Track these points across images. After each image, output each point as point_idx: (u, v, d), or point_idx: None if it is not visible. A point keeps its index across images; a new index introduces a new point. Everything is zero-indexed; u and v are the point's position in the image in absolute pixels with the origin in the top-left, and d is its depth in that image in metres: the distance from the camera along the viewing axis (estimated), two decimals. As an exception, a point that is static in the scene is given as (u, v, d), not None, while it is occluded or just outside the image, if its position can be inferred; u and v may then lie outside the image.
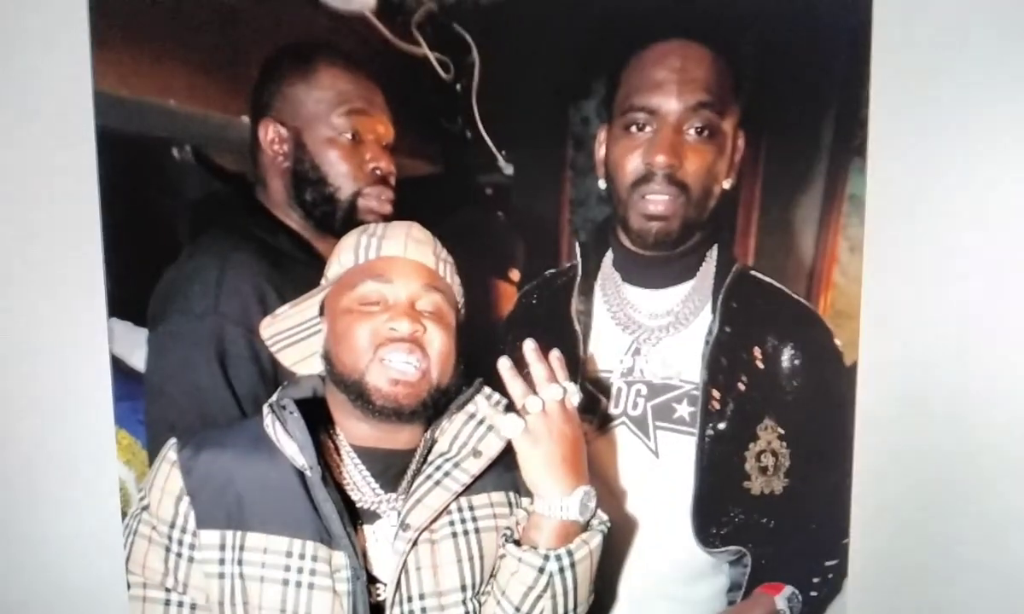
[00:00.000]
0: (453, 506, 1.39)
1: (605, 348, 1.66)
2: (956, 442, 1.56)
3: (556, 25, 1.63)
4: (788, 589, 1.60)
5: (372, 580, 1.34)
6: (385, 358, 1.34)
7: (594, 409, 1.63)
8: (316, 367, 1.47)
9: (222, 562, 1.32)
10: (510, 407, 1.39)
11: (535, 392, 1.36)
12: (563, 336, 1.66)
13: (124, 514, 1.65)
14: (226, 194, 1.69)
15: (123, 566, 1.38)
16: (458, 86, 1.67)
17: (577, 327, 1.67)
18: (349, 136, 1.62)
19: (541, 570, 1.30)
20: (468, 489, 1.39)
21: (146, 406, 1.59)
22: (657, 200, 1.56)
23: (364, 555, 1.34)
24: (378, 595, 1.34)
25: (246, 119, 1.65)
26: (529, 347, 1.39)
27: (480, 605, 1.38)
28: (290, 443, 1.32)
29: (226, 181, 1.69)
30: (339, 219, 1.64)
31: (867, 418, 1.58)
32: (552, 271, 1.76)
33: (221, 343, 1.53)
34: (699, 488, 1.57)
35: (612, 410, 1.63)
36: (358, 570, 1.30)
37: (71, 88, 1.56)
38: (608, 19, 1.61)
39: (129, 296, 1.60)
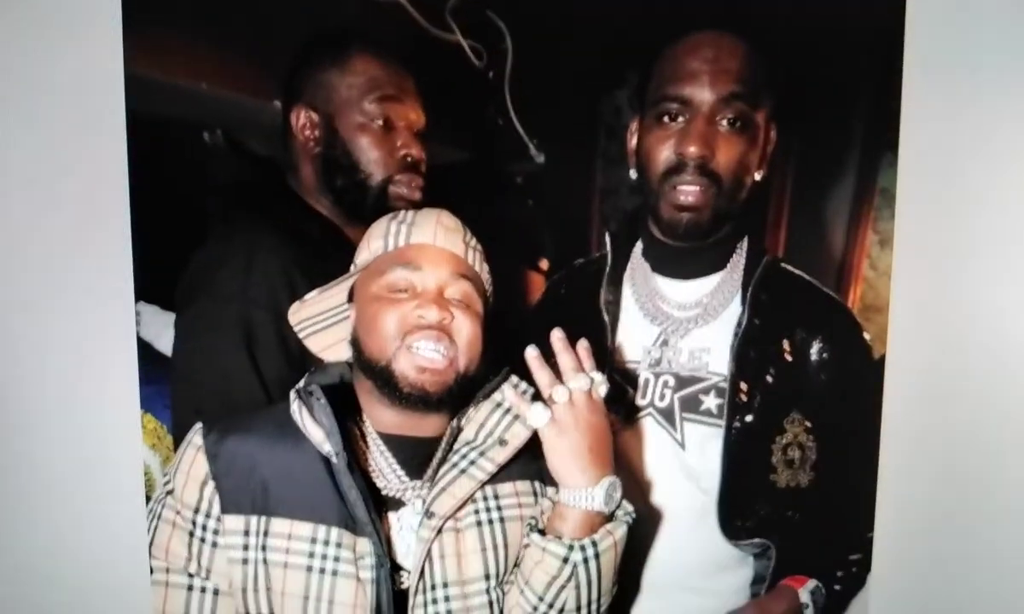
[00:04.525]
0: (478, 494, 1.38)
1: (633, 339, 1.66)
2: (983, 437, 1.56)
3: (590, 14, 1.63)
4: (812, 582, 1.60)
5: (396, 568, 1.34)
6: (413, 345, 1.33)
7: (621, 400, 1.63)
8: (344, 354, 1.47)
9: (246, 548, 1.32)
10: (537, 396, 1.38)
11: (562, 382, 1.35)
12: (591, 326, 1.66)
13: (148, 498, 1.65)
14: (256, 179, 1.69)
15: (147, 550, 1.38)
16: (491, 74, 1.67)
17: (605, 317, 1.67)
18: (380, 123, 1.63)
19: (565, 560, 1.30)
20: (493, 478, 1.38)
21: (172, 390, 1.60)
22: (688, 191, 1.56)
23: (388, 542, 1.34)
24: (401, 583, 1.34)
25: (278, 104, 1.66)
26: (557, 336, 1.37)
27: (503, 594, 1.38)
28: (316, 429, 1.32)
29: (256, 166, 1.69)
30: (369, 205, 1.64)
31: (894, 412, 1.58)
32: (581, 260, 1.76)
33: (249, 328, 1.53)
34: (725, 480, 1.57)
35: (639, 401, 1.63)
36: (382, 557, 1.30)
37: (102, 70, 1.56)
38: (642, 9, 1.61)
39: (157, 280, 1.61)
